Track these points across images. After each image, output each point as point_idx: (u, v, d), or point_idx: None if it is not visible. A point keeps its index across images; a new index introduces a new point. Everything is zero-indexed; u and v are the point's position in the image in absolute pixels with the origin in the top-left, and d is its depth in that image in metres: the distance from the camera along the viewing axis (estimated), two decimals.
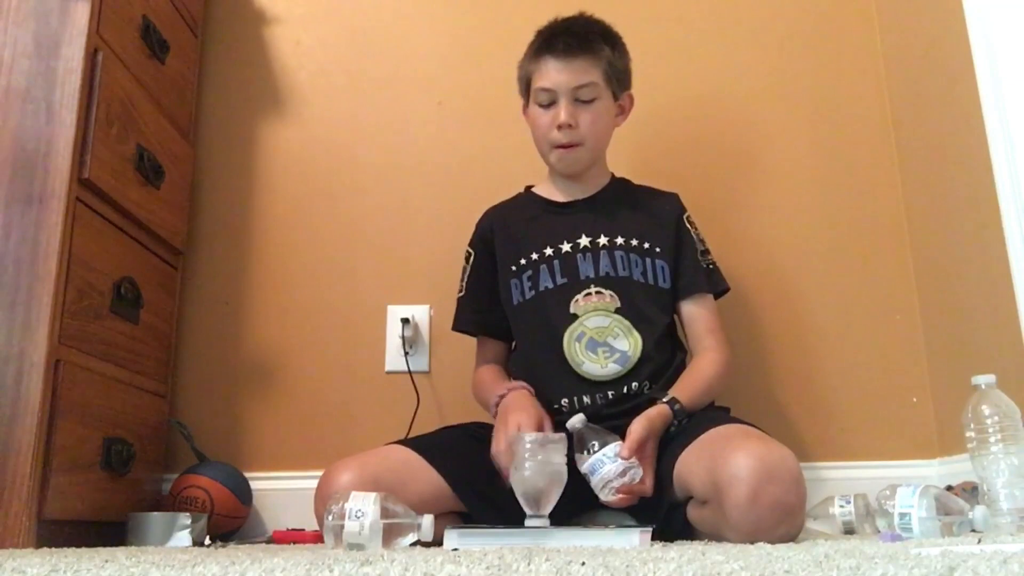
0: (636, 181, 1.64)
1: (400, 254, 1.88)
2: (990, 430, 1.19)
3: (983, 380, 1.23)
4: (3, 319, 1.31)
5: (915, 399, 1.77)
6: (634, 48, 1.58)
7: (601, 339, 1.45)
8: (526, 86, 1.55)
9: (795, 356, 1.81)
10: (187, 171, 1.84)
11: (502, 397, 1.41)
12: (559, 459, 1.16)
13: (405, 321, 1.80)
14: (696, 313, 1.52)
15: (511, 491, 1.21)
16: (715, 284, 1.56)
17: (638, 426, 1.29)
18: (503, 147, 1.86)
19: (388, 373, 1.81)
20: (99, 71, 1.45)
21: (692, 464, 1.23)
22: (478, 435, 1.43)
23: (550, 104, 1.49)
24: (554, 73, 1.48)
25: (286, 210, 1.91)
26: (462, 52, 1.98)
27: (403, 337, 1.79)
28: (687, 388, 1.40)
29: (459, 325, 1.62)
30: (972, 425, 1.21)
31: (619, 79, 1.53)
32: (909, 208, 1.84)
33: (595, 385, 1.44)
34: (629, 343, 1.45)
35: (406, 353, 1.79)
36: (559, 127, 1.48)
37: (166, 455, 1.74)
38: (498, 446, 1.32)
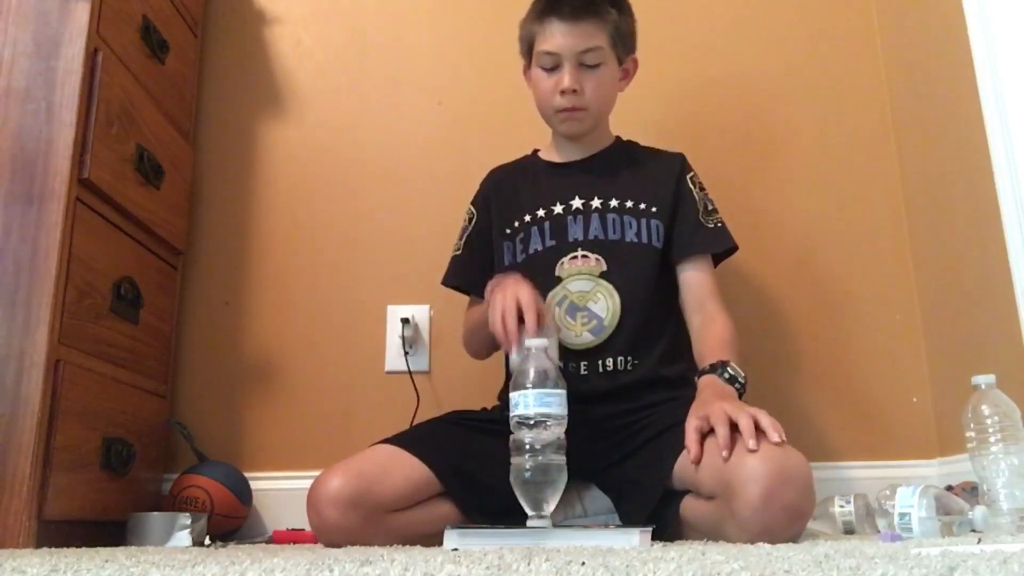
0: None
1: (400, 254, 1.88)
2: (990, 430, 1.19)
3: (983, 380, 1.23)
4: (3, 319, 1.31)
5: (915, 399, 1.77)
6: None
7: (582, 303, 1.43)
8: (528, 47, 1.51)
9: (795, 356, 1.81)
10: (187, 171, 1.84)
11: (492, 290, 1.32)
12: (559, 458, 1.15)
13: (405, 321, 1.80)
14: (695, 277, 1.47)
15: (486, 463, 1.18)
16: (715, 243, 1.49)
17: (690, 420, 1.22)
18: (503, 147, 1.85)
19: (388, 373, 1.81)
20: (99, 71, 1.45)
21: (703, 457, 1.21)
22: (454, 420, 1.43)
23: (554, 68, 1.45)
24: (559, 37, 1.43)
25: (286, 210, 1.91)
26: (462, 52, 1.98)
27: (403, 337, 1.79)
28: (721, 352, 1.36)
29: (449, 280, 1.59)
30: (972, 425, 1.21)
31: (624, 43, 1.50)
32: (909, 208, 1.84)
33: (571, 353, 1.41)
34: (608, 307, 1.42)
35: (406, 353, 1.80)
36: (563, 92, 1.45)
37: (166, 455, 1.74)
38: (495, 317, 1.26)
